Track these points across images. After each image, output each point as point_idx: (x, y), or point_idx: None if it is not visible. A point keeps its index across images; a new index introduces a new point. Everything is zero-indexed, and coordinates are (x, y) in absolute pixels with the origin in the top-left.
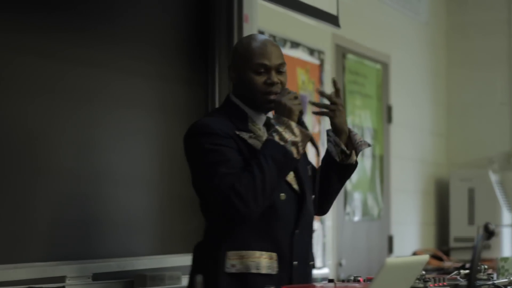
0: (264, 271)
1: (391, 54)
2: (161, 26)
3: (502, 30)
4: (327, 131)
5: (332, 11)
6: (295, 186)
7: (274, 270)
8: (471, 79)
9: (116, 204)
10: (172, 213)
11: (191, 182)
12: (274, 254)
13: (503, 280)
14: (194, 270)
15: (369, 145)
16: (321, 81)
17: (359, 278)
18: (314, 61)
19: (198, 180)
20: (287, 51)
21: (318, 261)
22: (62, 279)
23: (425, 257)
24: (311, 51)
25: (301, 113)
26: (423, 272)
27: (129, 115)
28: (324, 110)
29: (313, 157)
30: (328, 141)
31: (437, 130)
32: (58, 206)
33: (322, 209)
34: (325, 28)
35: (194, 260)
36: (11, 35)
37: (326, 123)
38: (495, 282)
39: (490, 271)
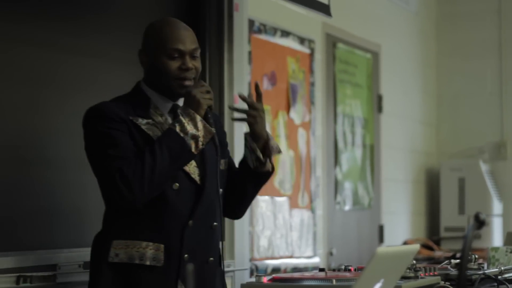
0: (148, 262)
1: (381, 43)
2: (150, 14)
3: (492, 20)
4: (245, 134)
5: (324, 0)
6: (194, 176)
7: (159, 262)
8: (461, 69)
9: None
10: None
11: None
12: (161, 246)
13: (494, 270)
14: (90, 261)
15: (279, 152)
16: (311, 70)
17: (350, 267)
18: (305, 50)
19: (91, 163)
20: (277, 39)
21: (308, 250)
22: (53, 267)
23: (416, 247)
24: (302, 40)
25: (210, 108)
26: (414, 262)
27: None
28: (244, 116)
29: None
30: (245, 146)
31: (428, 119)
32: (48, 194)
33: (236, 214)
34: (316, 17)
35: (91, 251)
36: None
37: (316, 112)
38: (485, 271)
39: (480, 261)
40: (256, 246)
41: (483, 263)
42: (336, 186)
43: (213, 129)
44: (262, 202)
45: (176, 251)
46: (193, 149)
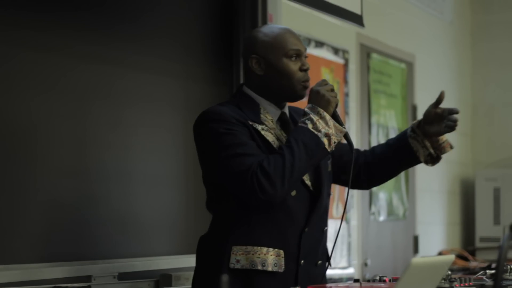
0: (270, 268)
1: (415, 53)
2: (186, 26)
3: None
4: (413, 128)
5: (356, 10)
6: (308, 182)
7: (280, 268)
8: (497, 78)
9: (142, 204)
10: (197, 212)
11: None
12: (281, 252)
13: None
14: (198, 265)
15: (451, 148)
16: (345, 81)
17: (384, 278)
18: (339, 60)
19: (214, 166)
20: (311, 50)
21: (343, 261)
22: (88, 278)
23: (451, 257)
24: (336, 51)
25: (336, 106)
26: (449, 272)
27: (155, 114)
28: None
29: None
30: (414, 138)
31: (462, 129)
32: (84, 206)
33: (368, 184)
34: (350, 27)
35: (198, 254)
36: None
37: (350, 123)
38: None
39: None
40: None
41: None
42: (371, 197)
43: (345, 128)
44: None
45: (294, 257)
46: (326, 147)
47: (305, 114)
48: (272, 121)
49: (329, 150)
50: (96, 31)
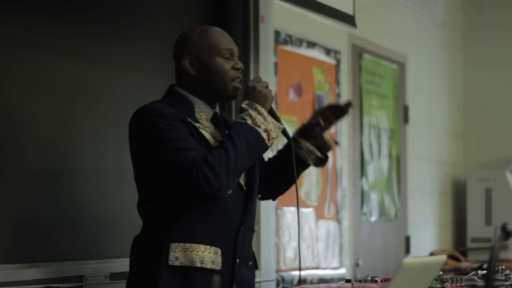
0: (208, 266)
1: (407, 54)
2: (178, 26)
3: None
4: (295, 137)
5: (349, 11)
6: (241, 181)
7: (218, 266)
8: (488, 79)
9: (133, 204)
10: None
11: (133, 176)
12: (218, 250)
13: None
14: (133, 266)
15: (337, 143)
16: (337, 81)
17: (376, 278)
18: (331, 61)
19: (155, 162)
20: (303, 50)
21: (335, 261)
22: (79, 278)
23: (443, 258)
24: (327, 51)
25: (272, 102)
26: (441, 273)
27: None
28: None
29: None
30: (299, 147)
31: (454, 130)
32: (75, 206)
33: (275, 196)
34: (341, 28)
35: (133, 255)
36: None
37: (343, 123)
38: None
39: (507, 272)
40: (282, 257)
41: (510, 274)
42: (362, 197)
43: (282, 125)
44: (288, 213)
45: (230, 255)
46: (266, 142)
47: (242, 110)
48: (206, 120)
49: (268, 145)
50: (86, 32)
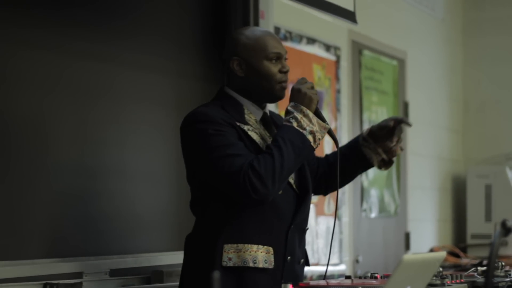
0: (261, 265)
1: (407, 50)
2: (178, 23)
3: None
4: (365, 136)
5: (349, 7)
6: (291, 181)
7: (270, 265)
8: (488, 75)
9: (133, 201)
10: (188, 209)
11: (185, 176)
12: (270, 249)
13: None
14: (187, 264)
15: (402, 150)
16: (337, 77)
17: (376, 275)
18: (330, 57)
19: (204, 167)
20: (303, 47)
21: (334, 258)
22: (79, 275)
23: (442, 254)
24: (327, 47)
25: (317, 103)
26: (440, 269)
27: (146, 112)
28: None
29: (330, 148)
30: (366, 147)
31: (454, 126)
32: (74, 203)
33: (327, 191)
34: (341, 24)
35: (187, 253)
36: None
37: (342, 119)
38: None
39: (507, 268)
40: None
41: (510, 270)
42: (362, 194)
43: (328, 125)
44: None
45: (281, 254)
46: (312, 144)
47: (288, 112)
48: (256, 121)
49: (314, 147)
50: (88, 28)
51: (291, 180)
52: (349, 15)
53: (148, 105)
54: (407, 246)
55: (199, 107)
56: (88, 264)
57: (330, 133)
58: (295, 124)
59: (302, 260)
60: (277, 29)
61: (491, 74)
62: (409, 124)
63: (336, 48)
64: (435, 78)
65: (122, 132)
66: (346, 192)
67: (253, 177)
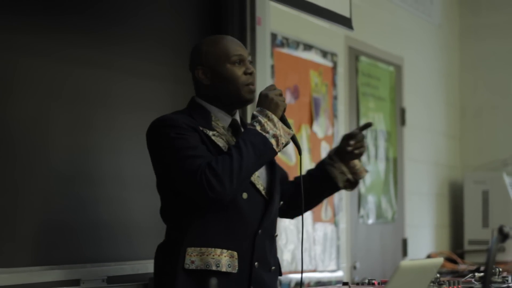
0: (224, 269)
1: (404, 56)
2: (174, 28)
3: None
4: (331, 156)
5: (345, 13)
6: (259, 187)
7: (234, 269)
8: (485, 81)
9: (130, 207)
10: None
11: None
12: (235, 253)
13: None
14: (155, 271)
15: (367, 172)
16: (334, 83)
17: (373, 281)
18: (327, 63)
19: (167, 170)
20: (300, 53)
21: (332, 264)
22: (76, 282)
23: (440, 260)
24: (324, 54)
25: (284, 110)
26: (438, 275)
27: (143, 118)
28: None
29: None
30: (331, 165)
31: (451, 132)
32: (72, 210)
33: (295, 214)
34: (338, 30)
35: (155, 261)
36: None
37: (339, 126)
38: (510, 285)
39: (504, 274)
40: (279, 260)
41: (507, 276)
42: (360, 200)
43: (292, 131)
44: None
45: (248, 259)
46: (274, 147)
47: (253, 117)
48: (223, 128)
49: (277, 150)
50: (84, 35)
51: (260, 186)
52: (345, 21)
53: (144, 111)
54: (405, 252)
55: (166, 114)
56: (85, 271)
57: (294, 139)
58: (258, 128)
59: (273, 268)
60: (274, 35)
61: (488, 79)
62: (370, 125)
63: (333, 54)
64: (432, 84)
65: (119, 138)
66: (343, 198)
67: (210, 175)
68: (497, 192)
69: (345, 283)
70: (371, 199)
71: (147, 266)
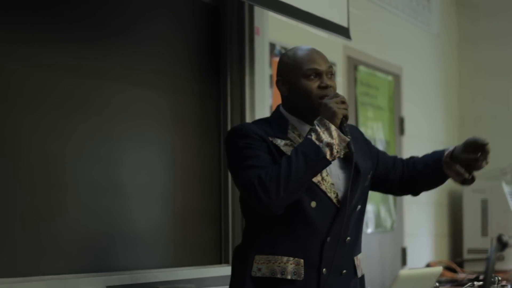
0: (289, 276)
1: (402, 65)
2: (173, 39)
3: None
4: (447, 159)
5: (343, 23)
6: (331, 195)
7: (299, 276)
8: (483, 91)
9: (130, 217)
10: (185, 226)
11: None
12: (301, 261)
13: None
14: (231, 274)
15: (487, 163)
16: None
17: None
18: None
19: (232, 176)
20: None
21: None
22: None
23: (439, 269)
24: None
25: (346, 118)
26: (437, 284)
27: (142, 128)
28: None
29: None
30: (448, 167)
31: (450, 141)
32: (71, 220)
33: (402, 192)
34: (336, 40)
35: (232, 263)
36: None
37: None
38: None
39: (504, 283)
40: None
41: (506, 285)
42: None
43: (348, 137)
44: None
45: (315, 265)
46: (328, 156)
47: (312, 126)
48: (299, 136)
49: (330, 159)
50: (83, 45)
51: (332, 194)
52: (343, 31)
53: (143, 121)
54: (404, 261)
55: (244, 122)
56: (84, 281)
57: (349, 146)
58: (313, 137)
59: (344, 271)
60: (273, 45)
61: (486, 89)
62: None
63: (332, 64)
64: (430, 93)
65: (118, 148)
66: None
67: (258, 186)
68: (496, 201)
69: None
70: (370, 209)
71: (146, 276)
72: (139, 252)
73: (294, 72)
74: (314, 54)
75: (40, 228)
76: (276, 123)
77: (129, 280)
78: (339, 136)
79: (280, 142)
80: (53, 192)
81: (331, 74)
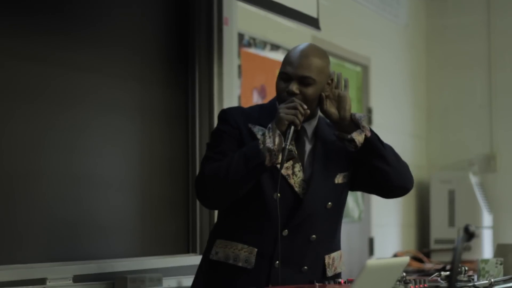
0: (240, 264)
1: (371, 56)
2: (141, 29)
3: (481, 33)
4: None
5: (312, 13)
6: (298, 190)
7: (250, 265)
8: (451, 82)
9: (97, 206)
10: (153, 215)
11: None
12: (254, 250)
13: (484, 281)
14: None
15: (365, 116)
16: None
17: (340, 280)
18: None
19: None
20: (267, 53)
21: None
22: (42, 281)
23: (406, 259)
24: None
25: (294, 124)
26: (404, 274)
27: (110, 117)
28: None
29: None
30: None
31: (417, 132)
32: (38, 209)
33: (394, 192)
34: (305, 30)
35: None
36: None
37: None
38: (475, 283)
39: (470, 273)
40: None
41: (473, 275)
42: None
43: (288, 145)
44: None
45: (268, 257)
46: (266, 161)
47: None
48: None
49: (268, 164)
50: (51, 35)
51: (301, 190)
52: (312, 22)
53: (111, 111)
54: (371, 251)
55: (235, 106)
56: (51, 270)
57: (283, 151)
58: (260, 140)
59: (305, 268)
60: (241, 36)
61: (454, 80)
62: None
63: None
64: (398, 84)
65: (85, 138)
66: None
67: (200, 181)
68: (463, 192)
69: (311, 282)
70: None
71: (114, 265)
72: (106, 241)
73: (280, 69)
74: (296, 57)
75: (7, 218)
76: (267, 111)
77: (97, 269)
78: (279, 143)
79: (257, 130)
80: (20, 182)
81: (305, 82)
